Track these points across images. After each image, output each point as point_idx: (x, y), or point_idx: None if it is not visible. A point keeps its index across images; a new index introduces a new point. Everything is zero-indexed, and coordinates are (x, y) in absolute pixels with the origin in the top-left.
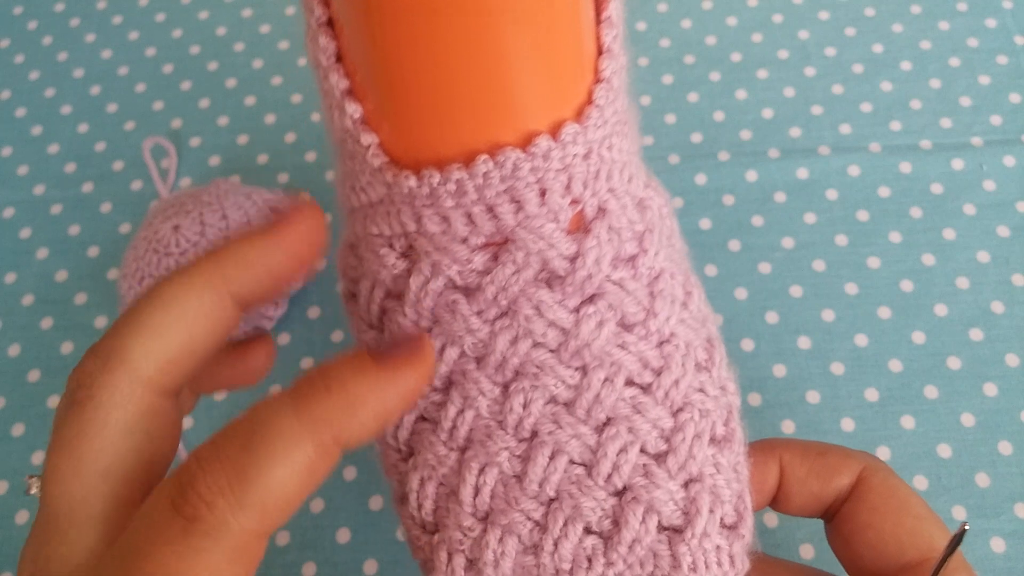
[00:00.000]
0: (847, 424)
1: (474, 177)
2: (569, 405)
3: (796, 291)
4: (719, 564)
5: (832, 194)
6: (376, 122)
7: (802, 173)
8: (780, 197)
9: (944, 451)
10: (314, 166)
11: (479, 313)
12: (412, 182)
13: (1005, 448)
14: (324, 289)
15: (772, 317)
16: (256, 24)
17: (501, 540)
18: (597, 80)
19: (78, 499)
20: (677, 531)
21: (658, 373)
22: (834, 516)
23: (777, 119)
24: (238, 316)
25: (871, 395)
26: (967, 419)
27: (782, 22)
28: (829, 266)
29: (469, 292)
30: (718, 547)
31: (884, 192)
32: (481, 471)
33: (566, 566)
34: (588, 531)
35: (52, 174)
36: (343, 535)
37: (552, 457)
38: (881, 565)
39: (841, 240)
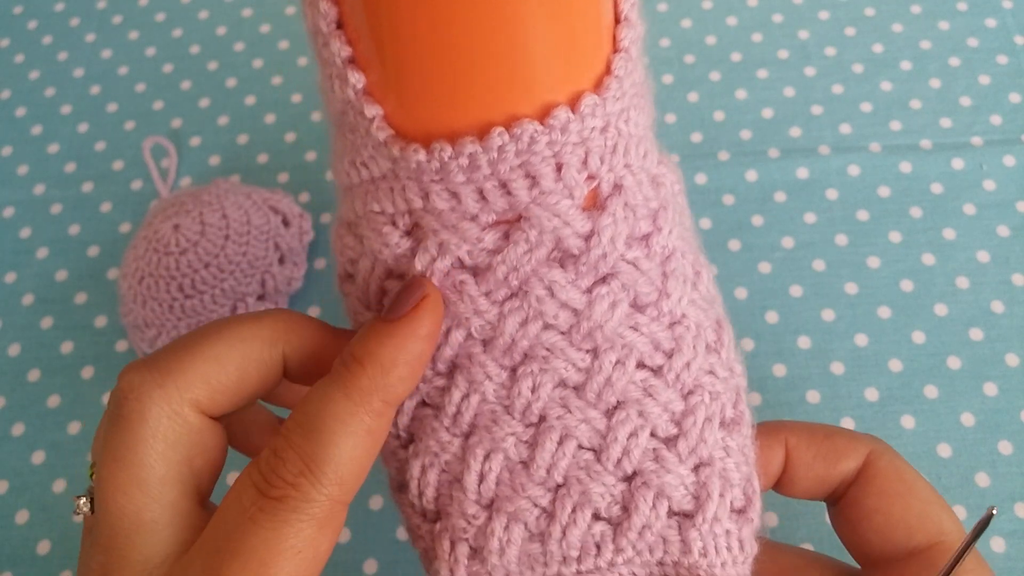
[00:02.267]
0: (847, 424)
1: (488, 151)
2: (579, 389)
3: (796, 291)
4: (729, 548)
5: (832, 194)
6: (381, 93)
7: (802, 173)
8: (780, 197)
9: (944, 451)
10: (314, 166)
11: (488, 294)
12: (421, 156)
13: (1005, 448)
14: (324, 289)
15: (772, 317)
16: (256, 24)
17: (507, 528)
18: (615, 50)
19: (141, 506)
20: (687, 516)
21: (669, 355)
22: (839, 500)
23: (777, 119)
24: (280, 376)
25: (871, 395)
26: (967, 419)
27: (782, 22)
28: (829, 266)
29: (478, 272)
30: (728, 531)
31: (884, 192)
32: (486, 457)
33: (574, 553)
34: (597, 517)
35: (52, 174)
36: (343, 535)
37: (560, 442)
38: (889, 549)
39: (841, 240)
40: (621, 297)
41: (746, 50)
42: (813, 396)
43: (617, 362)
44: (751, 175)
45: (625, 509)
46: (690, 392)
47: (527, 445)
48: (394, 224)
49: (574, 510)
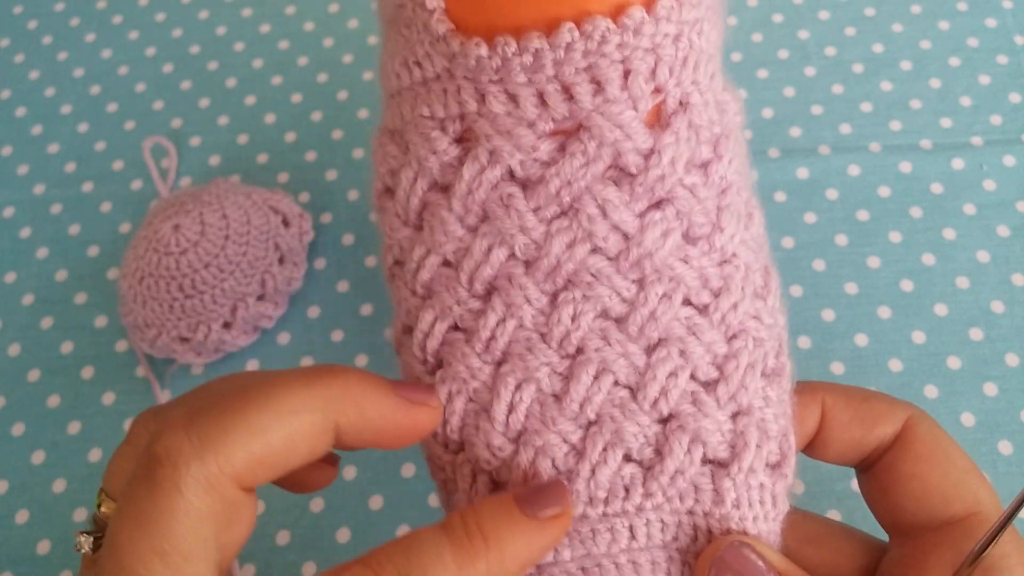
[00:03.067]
0: None
1: (555, 48)
2: (621, 321)
3: (796, 291)
4: (762, 502)
5: (832, 194)
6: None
7: (802, 173)
8: (780, 197)
9: None
10: (314, 166)
11: (536, 210)
12: (483, 51)
13: (1005, 448)
14: (324, 289)
15: None
16: (256, 24)
17: (533, 463)
18: None
19: None
20: (722, 465)
21: (717, 294)
22: (872, 465)
23: (777, 119)
24: (331, 446)
25: None
26: (967, 419)
27: (782, 22)
28: (829, 266)
29: (528, 185)
30: (762, 484)
31: (884, 192)
32: (518, 387)
33: (601, 494)
34: (628, 458)
35: (52, 174)
36: (343, 535)
37: (597, 376)
38: (923, 518)
39: (841, 240)
40: (675, 226)
41: (746, 50)
42: None
43: (663, 296)
44: (751, 175)
45: (658, 452)
46: (734, 336)
47: (561, 377)
48: (443, 129)
49: (605, 449)
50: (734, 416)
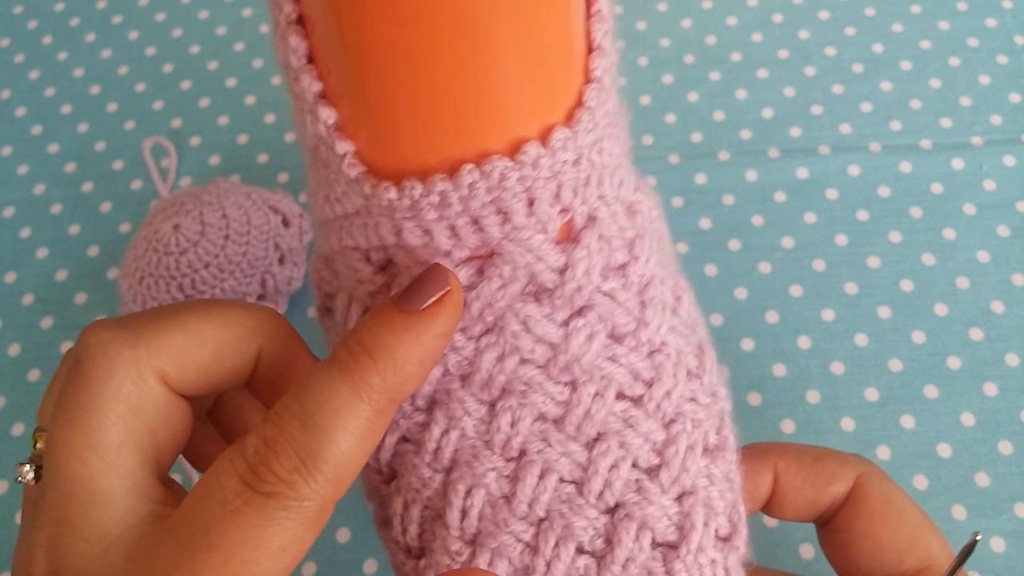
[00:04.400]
0: (847, 424)
1: (459, 188)
2: (558, 422)
3: (796, 291)
4: None
5: (832, 194)
6: (352, 129)
7: (802, 173)
8: (780, 197)
9: (944, 451)
10: None
11: (463, 330)
12: (392, 194)
13: (1005, 448)
14: None
15: (772, 317)
16: (256, 24)
17: (491, 564)
18: (587, 80)
19: (96, 472)
20: (672, 547)
21: (649, 385)
22: (828, 522)
23: (777, 119)
24: (250, 369)
25: (871, 395)
26: (967, 419)
27: (782, 22)
28: (829, 266)
29: None
30: (713, 561)
31: (884, 192)
32: (468, 493)
33: None
34: (580, 551)
35: (52, 174)
36: (343, 535)
37: (542, 476)
38: (878, 573)
39: (841, 240)
40: (598, 329)
41: (746, 50)
42: (813, 396)
43: (596, 394)
44: (751, 175)
45: (608, 542)
46: (671, 421)
47: (508, 480)
48: (368, 259)
49: (557, 544)
50: (679, 498)
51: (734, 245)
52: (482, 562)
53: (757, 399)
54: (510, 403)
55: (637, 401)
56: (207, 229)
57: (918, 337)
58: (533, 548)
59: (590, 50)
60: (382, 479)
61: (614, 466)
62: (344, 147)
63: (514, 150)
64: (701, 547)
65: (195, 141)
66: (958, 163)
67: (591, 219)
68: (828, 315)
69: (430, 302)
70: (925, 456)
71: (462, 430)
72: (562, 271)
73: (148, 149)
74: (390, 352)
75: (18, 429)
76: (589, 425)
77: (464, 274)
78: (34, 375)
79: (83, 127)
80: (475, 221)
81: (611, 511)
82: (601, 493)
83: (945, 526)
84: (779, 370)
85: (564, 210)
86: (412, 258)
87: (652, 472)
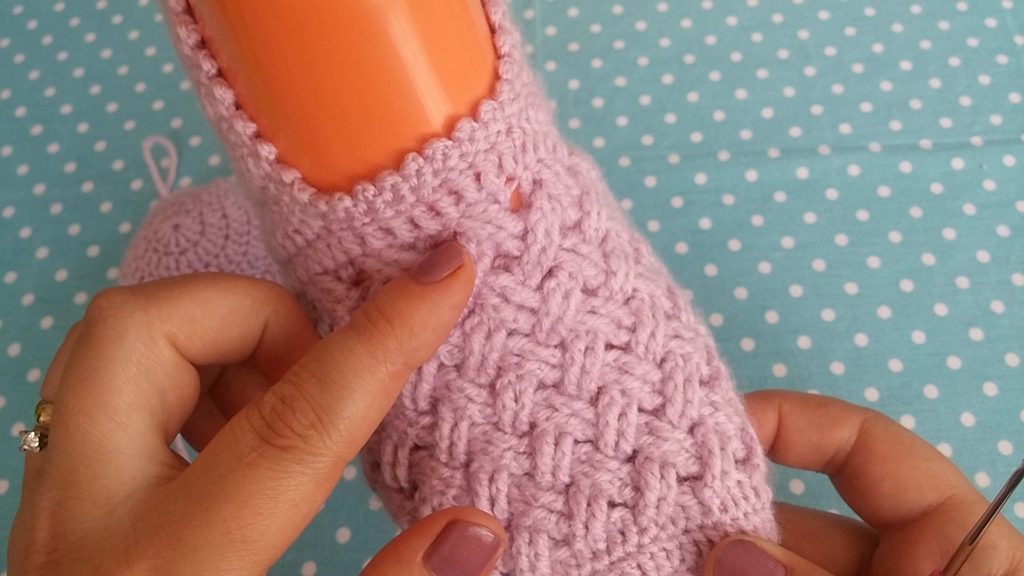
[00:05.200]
0: None
1: (407, 178)
2: (558, 386)
3: (796, 291)
4: (746, 498)
5: (832, 194)
6: (293, 157)
7: (802, 173)
8: (780, 197)
9: (944, 451)
10: None
11: None
12: (347, 202)
13: (1005, 448)
14: None
15: (772, 317)
16: None
17: (531, 542)
18: (498, 56)
19: (106, 433)
20: (697, 478)
21: (633, 330)
22: (841, 470)
23: (777, 119)
24: (257, 339)
25: (871, 395)
26: (967, 419)
27: (782, 22)
28: (829, 266)
29: None
30: (740, 482)
31: (884, 192)
32: (491, 479)
33: (601, 546)
34: (613, 505)
35: (52, 174)
36: (343, 535)
37: (557, 443)
38: (902, 512)
39: (841, 240)
40: (572, 286)
41: (746, 50)
42: None
43: (587, 349)
44: (751, 175)
45: (637, 489)
46: (663, 360)
47: (526, 455)
48: (339, 278)
49: (589, 504)
50: (691, 430)
51: (734, 245)
52: (522, 544)
53: None
54: (508, 379)
55: (626, 348)
56: (207, 229)
57: (918, 337)
58: (567, 515)
59: (493, 31)
60: (405, 496)
61: (622, 414)
62: (290, 175)
63: (450, 129)
64: (724, 471)
65: (195, 141)
66: (958, 163)
67: (537, 183)
68: (828, 315)
69: (445, 275)
70: None
71: (470, 419)
72: (523, 236)
73: (148, 149)
74: (407, 318)
75: (18, 429)
76: (588, 381)
77: None
78: (34, 375)
79: (83, 127)
80: (431, 207)
81: (631, 459)
82: (617, 444)
83: None
84: (779, 370)
85: (510, 179)
86: (381, 260)
87: (658, 411)
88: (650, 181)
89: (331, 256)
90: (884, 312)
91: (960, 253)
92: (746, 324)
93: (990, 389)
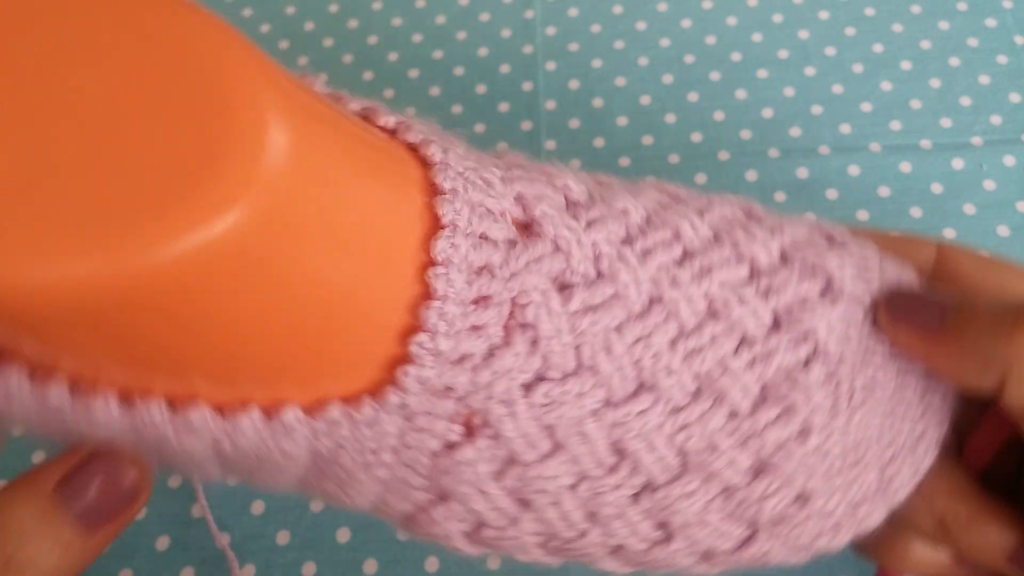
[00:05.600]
0: None
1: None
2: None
3: None
4: None
5: (832, 194)
6: (272, 408)
7: (802, 173)
8: (780, 197)
9: None
10: None
11: (496, 478)
12: (374, 403)
13: None
14: None
15: None
16: (256, 24)
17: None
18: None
19: None
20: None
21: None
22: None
23: (777, 119)
24: None
25: None
26: None
27: (782, 22)
28: None
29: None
30: None
31: (884, 192)
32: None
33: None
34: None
35: None
36: (343, 535)
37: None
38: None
39: None
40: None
41: (746, 50)
42: None
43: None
44: (751, 175)
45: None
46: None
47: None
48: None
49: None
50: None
51: None
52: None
53: None
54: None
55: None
56: None
57: None
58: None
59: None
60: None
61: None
62: (291, 413)
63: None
64: None
65: None
66: (958, 163)
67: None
68: None
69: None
70: None
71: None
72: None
73: None
74: None
75: (18, 429)
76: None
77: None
78: None
79: None
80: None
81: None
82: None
83: None
84: None
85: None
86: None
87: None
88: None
89: (429, 426)
90: None
91: None
92: None
93: None
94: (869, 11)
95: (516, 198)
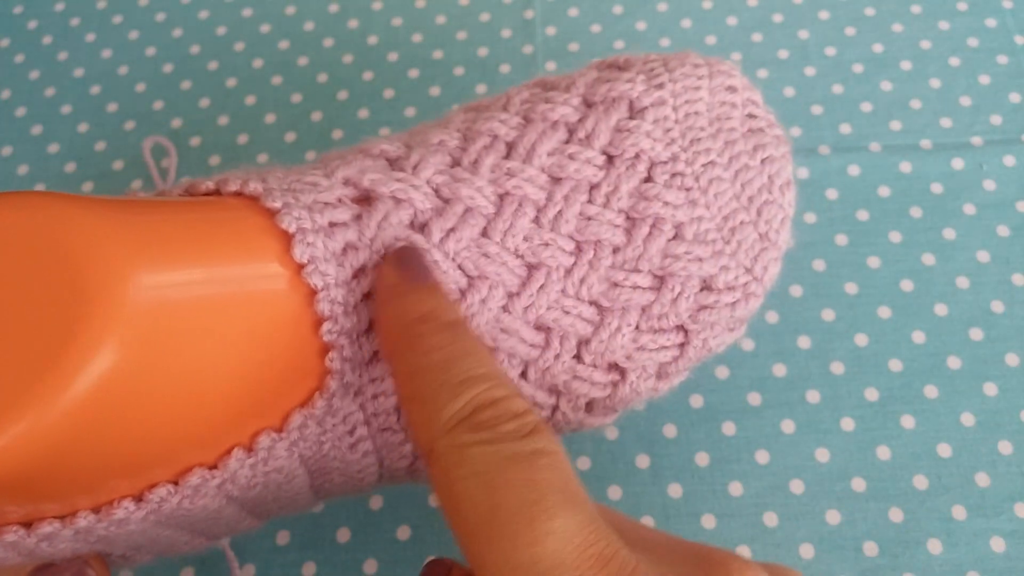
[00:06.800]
0: (847, 424)
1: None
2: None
3: (796, 291)
4: None
5: (832, 194)
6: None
7: (802, 173)
8: None
9: (944, 451)
10: None
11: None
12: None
13: (1005, 448)
14: None
15: (772, 317)
16: (256, 24)
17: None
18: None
19: None
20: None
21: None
22: None
23: (777, 119)
24: None
25: (871, 395)
26: (967, 419)
27: (782, 22)
28: (829, 266)
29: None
30: None
31: (884, 192)
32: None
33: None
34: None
35: (52, 174)
36: (343, 535)
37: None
38: None
39: (841, 240)
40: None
41: (746, 50)
42: (813, 396)
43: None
44: None
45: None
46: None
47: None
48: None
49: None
50: None
51: None
52: None
53: (757, 399)
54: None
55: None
56: None
57: (918, 337)
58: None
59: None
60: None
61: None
62: (260, 441)
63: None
64: None
65: (195, 141)
66: (958, 163)
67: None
68: (828, 315)
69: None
70: (925, 456)
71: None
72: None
73: (148, 149)
74: None
75: None
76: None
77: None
78: None
79: (83, 127)
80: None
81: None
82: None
83: (945, 526)
84: (779, 370)
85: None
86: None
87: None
88: None
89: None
90: (884, 312)
91: (960, 253)
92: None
93: (990, 389)
94: (869, 11)
95: (344, 181)
